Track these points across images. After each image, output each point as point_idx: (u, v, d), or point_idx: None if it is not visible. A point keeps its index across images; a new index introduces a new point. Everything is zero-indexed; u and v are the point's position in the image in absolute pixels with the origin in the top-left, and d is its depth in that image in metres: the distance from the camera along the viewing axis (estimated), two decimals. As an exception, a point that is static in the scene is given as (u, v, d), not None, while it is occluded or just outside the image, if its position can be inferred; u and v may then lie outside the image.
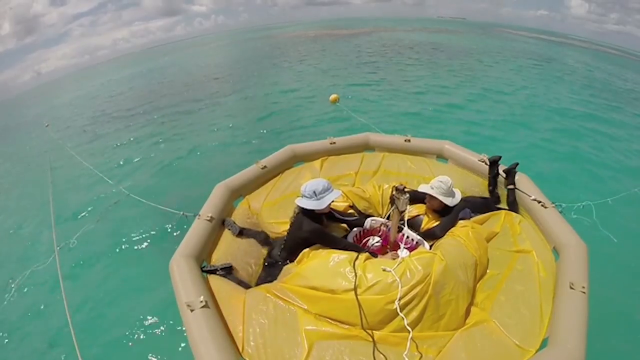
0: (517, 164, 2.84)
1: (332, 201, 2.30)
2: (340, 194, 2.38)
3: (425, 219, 2.66)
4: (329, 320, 1.83)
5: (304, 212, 2.25)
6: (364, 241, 2.61)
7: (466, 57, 18.36)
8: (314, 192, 2.20)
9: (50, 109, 17.90)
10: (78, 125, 11.53)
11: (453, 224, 2.39)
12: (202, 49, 38.45)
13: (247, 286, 2.15)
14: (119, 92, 16.84)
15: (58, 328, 3.18)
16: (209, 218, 2.47)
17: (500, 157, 2.91)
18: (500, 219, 2.51)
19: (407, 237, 2.49)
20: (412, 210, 2.69)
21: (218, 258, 2.31)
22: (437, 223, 2.56)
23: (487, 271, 2.15)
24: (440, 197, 2.50)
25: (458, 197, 2.61)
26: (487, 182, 2.95)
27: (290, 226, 2.34)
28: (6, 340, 3.29)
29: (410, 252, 2.30)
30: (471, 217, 2.53)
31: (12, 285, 3.77)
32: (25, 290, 3.78)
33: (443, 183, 2.52)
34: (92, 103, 15.68)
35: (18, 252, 4.68)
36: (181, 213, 2.69)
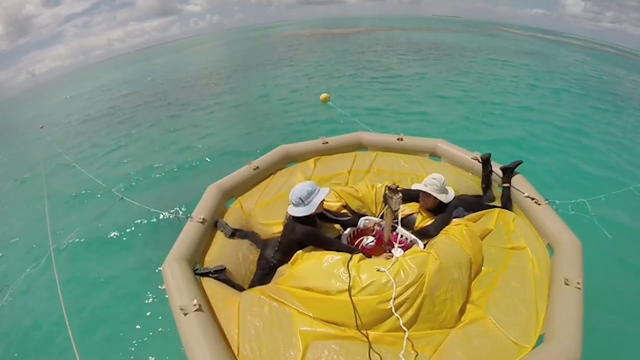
0: (520, 162, 2.84)
1: (322, 200, 2.27)
2: (329, 191, 2.36)
3: (419, 218, 2.64)
4: (324, 321, 1.81)
5: (295, 218, 2.23)
6: (357, 241, 2.59)
7: (462, 56, 18.41)
8: (300, 198, 2.18)
9: (44, 110, 17.73)
10: (72, 127, 11.45)
11: (447, 223, 2.39)
12: (196, 49, 38.26)
13: (240, 288, 2.13)
14: (113, 94, 16.70)
15: (55, 328, 3.14)
16: (201, 220, 2.44)
17: (489, 155, 2.91)
18: (494, 216, 2.51)
19: (401, 236, 2.47)
20: (405, 209, 2.68)
21: (211, 260, 2.28)
22: (430, 221, 2.56)
23: (482, 268, 2.15)
24: (434, 194, 2.50)
25: (451, 194, 2.61)
26: (480, 180, 2.95)
27: (284, 229, 2.32)
28: (4, 341, 3.25)
29: (404, 251, 2.29)
30: (464, 215, 2.53)
31: (6, 287, 3.73)
32: (20, 290, 3.72)
33: (436, 180, 2.52)
34: (86, 105, 15.54)
35: (11, 253, 4.63)
36: (173, 215, 2.66)
